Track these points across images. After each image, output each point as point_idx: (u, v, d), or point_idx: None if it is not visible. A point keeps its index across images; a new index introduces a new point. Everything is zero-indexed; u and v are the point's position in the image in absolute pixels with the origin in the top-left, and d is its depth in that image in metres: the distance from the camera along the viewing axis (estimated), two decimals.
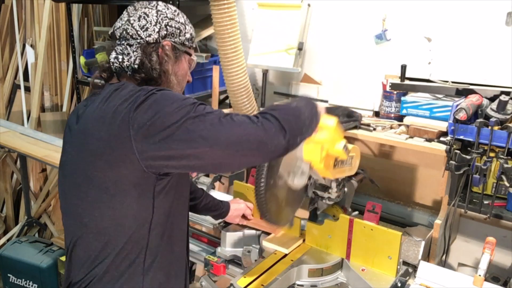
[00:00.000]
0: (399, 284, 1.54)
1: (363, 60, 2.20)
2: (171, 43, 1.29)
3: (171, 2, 2.32)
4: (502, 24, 1.82)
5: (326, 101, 2.24)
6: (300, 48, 2.23)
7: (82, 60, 2.97)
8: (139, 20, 1.26)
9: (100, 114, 1.18)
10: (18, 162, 3.46)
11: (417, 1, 2.00)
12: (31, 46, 3.61)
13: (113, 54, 1.27)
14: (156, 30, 1.27)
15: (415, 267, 1.64)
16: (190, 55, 1.36)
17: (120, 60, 1.26)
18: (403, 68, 1.94)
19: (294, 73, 2.43)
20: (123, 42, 1.27)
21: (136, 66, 1.26)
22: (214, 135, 1.07)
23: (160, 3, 1.32)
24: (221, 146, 1.08)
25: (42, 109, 3.62)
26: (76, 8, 3.42)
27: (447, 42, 1.96)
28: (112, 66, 1.28)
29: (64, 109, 3.66)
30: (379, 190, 2.00)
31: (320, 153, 1.31)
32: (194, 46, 1.39)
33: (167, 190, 1.23)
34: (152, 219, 1.23)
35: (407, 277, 1.58)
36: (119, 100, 1.16)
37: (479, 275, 1.45)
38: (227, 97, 2.63)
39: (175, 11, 1.32)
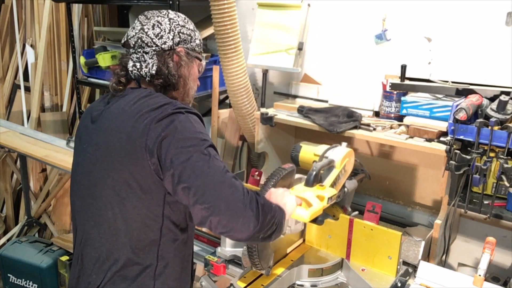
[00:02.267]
0: (399, 284, 1.54)
1: (363, 60, 2.20)
2: (184, 49, 1.36)
3: (171, 2, 2.32)
4: (502, 24, 1.82)
5: (326, 101, 2.24)
6: (300, 48, 2.23)
7: (82, 60, 2.96)
8: (153, 29, 1.33)
9: (125, 117, 1.23)
10: (18, 162, 3.46)
11: (417, 1, 2.00)
12: (31, 46, 3.62)
13: (131, 63, 1.33)
14: (171, 37, 1.34)
15: (415, 267, 1.65)
16: (200, 60, 1.43)
17: (138, 67, 1.32)
18: (403, 68, 1.94)
19: (294, 73, 2.43)
20: (139, 50, 1.33)
21: (154, 72, 1.32)
22: (207, 178, 1.16)
23: (170, 11, 1.39)
24: (206, 189, 1.16)
25: (42, 109, 3.62)
26: (76, 8, 3.41)
27: (447, 42, 1.96)
28: (131, 74, 1.33)
29: (64, 109, 3.66)
30: (370, 181, 1.94)
31: (309, 214, 1.34)
32: (202, 51, 1.46)
33: (177, 201, 1.24)
34: (162, 226, 1.25)
35: (407, 277, 1.59)
36: (147, 107, 1.22)
37: (479, 275, 1.45)
38: (227, 97, 2.63)
39: (184, 19, 1.40)
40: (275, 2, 2.29)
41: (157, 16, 1.35)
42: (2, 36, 3.71)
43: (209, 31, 2.53)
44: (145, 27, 1.33)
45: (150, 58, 1.32)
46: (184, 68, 1.37)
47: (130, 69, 1.33)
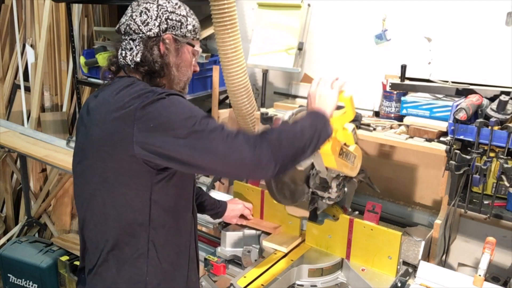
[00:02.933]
0: (399, 284, 1.54)
1: (363, 60, 2.20)
2: (172, 36, 1.33)
3: None
4: (502, 24, 1.82)
5: None
6: (300, 48, 2.23)
7: (82, 60, 2.96)
8: (140, 16, 1.31)
9: (108, 108, 1.24)
10: (18, 162, 3.46)
11: (417, 1, 2.00)
12: (31, 46, 3.62)
13: (120, 50, 1.34)
14: (157, 24, 1.31)
15: (415, 267, 1.64)
16: (193, 46, 1.39)
17: (123, 55, 1.32)
18: (403, 68, 1.94)
19: (294, 73, 2.43)
20: (127, 37, 1.33)
21: (138, 59, 1.31)
22: (213, 153, 1.15)
23: None
24: (218, 164, 1.17)
25: (42, 109, 3.62)
26: (76, 8, 3.42)
27: (447, 42, 1.96)
28: (118, 62, 1.34)
29: (64, 109, 3.66)
30: (378, 194, 2.00)
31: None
32: (197, 37, 1.41)
33: (166, 187, 1.28)
34: (150, 212, 1.28)
35: (407, 277, 1.59)
36: (128, 97, 1.21)
37: (479, 275, 1.45)
38: (227, 97, 2.63)
39: (176, 4, 1.35)
40: (275, 2, 2.29)
41: (147, 3, 1.32)
42: (2, 36, 3.71)
43: (209, 31, 2.52)
44: (133, 14, 1.32)
45: (136, 46, 1.31)
46: (169, 56, 1.33)
47: (118, 56, 1.34)
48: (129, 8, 1.35)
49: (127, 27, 1.32)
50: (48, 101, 3.61)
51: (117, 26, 1.37)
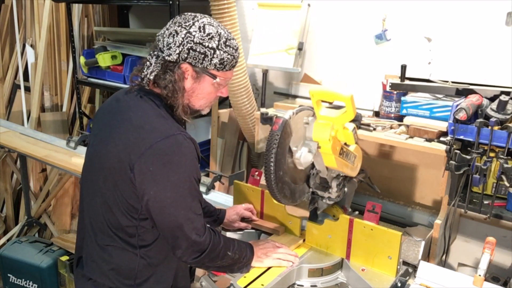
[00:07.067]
0: (399, 284, 1.54)
1: (363, 60, 2.20)
2: (191, 67, 1.32)
3: (171, 2, 2.32)
4: (502, 24, 1.82)
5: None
6: (300, 48, 2.23)
7: (82, 60, 2.97)
8: (168, 37, 1.31)
9: (128, 128, 1.31)
10: (18, 162, 3.46)
11: (417, 1, 2.00)
12: (31, 46, 3.62)
13: (147, 60, 1.37)
14: (177, 52, 1.29)
15: (415, 267, 1.64)
16: (215, 78, 1.35)
17: (144, 68, 1.36)
18: (403, 68, 1.94)
19: (294, 73, 2.43)
20: (154, 51, 1.36)
21: (152, 77, 1.33)
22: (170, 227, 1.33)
23: (198, 23, 1.30)
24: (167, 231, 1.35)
25: (42, 109, 3.62)
26: (76, 8, 3.42)
27: (447, 42, 1.96)
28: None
29: (64, 109, 3.66)
30: (378, 194, 2.00)
31: (330, 131, 1.34)
32: (226, 69, 1.36)
33: None
34: (139, 215, 1.36)
35: (407, 277, 1.58)
36: (148, 125, 1.29)
37: (479, 275, 1.45)
38: (227, 97, 2.63)
39: (208, 34, 1.29)
40: (275, 2, 2.29)
41: (180, 25, 1.30)
42: (2, 36, 3.71)
43: None
44: (166, 31, 1.32)
45: (155, 63, 1.33)
46: (188, 82, 1.34)
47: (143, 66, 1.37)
48: (170, 21, 1.35)
49: (158, 42, 1.34)
50: (48, 101, 3.61)
51: (158, 34, 1.37)
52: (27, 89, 3.66)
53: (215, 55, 1.31)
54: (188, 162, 1.30)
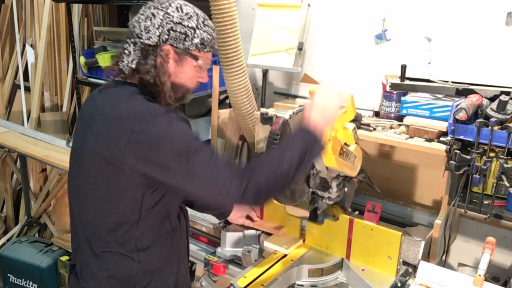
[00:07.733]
0: (399, 284, 1.54)
1: (363, 60, 2.20)
2: (173, 48, 1.27)
3: None
4: (502, 24, 1.82)
5: None
6: (300, 48, 2.23)
7: (82, 60, 2.96)
8: (145, 21, 1.26)
9: (104, 121, 1.24)
10: (18, 162, 3.46)
11: (417, 1, 1.99)
12: (31, 46, 3.62)
13: (122, 51, 1.31)
14: (157, 33, 1.25)
15: (415, 267, 1.64)
16: (197, 59, 1.32)
17: (122, 58, 1.29)
18: (403, 68, 1.94)
19: (294, 73, 2.43)
20: (130, 39, 1.30)
21: (133, 66, 1.28)
22: (201, 184, 1.22)
23: (174, 3, 1.28)
24: (204, 192, 1.27)
25: (42, 109, 3.62)
26: (76, 8, 3.41)
27: (447, 42, 1.96)
28: (118, 63, 1.31)
29: (64, 109, 3.66)
30: (378, 194, 2.00)
31: (330, 131, 1.34)
32: (207, 50, 1.33)
33: (158, 193, 1.31)
34: (140, 215, 1.30)
35: (407, 277, 1.59)
36: (125, 113, 1.22)
37: (479, 275, 1.45)
38: (227, 97, 2.63)
39: (186, 14, 1.28)
40: (275, 2, 2.29)
41: (155, 8, 1.26)
42: (2, 36, 3.71)
43: None
44: (141, 16, 1.27)
45: (134, 51, 1.28)
46: (170, 65, 1.28)
47: (117, 59, 1.31)
48: (142, 7, 1.30)
49: (133, 29, 1.29)
50: (48, 101, 3.61)
51: (129, 22, 1.33)
52: (27, 89, 3.66)
53: (195, 35, 1.28)
54: (178, 127, 1.24)
